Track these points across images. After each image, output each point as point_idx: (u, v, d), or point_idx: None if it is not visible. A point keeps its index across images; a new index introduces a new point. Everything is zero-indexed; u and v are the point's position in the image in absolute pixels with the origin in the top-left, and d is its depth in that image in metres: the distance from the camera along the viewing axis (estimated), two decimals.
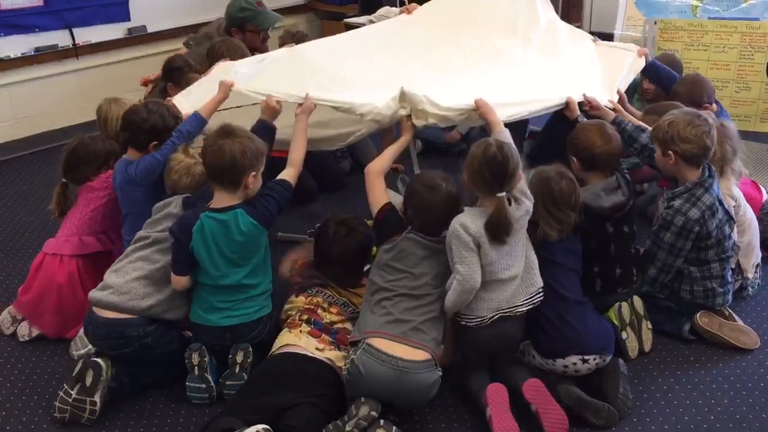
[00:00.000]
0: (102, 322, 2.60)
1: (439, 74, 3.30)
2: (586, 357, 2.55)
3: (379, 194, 2.70)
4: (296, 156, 2.77)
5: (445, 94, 2.91)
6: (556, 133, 3.26)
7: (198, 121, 2.91)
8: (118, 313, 2.59)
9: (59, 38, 4.97)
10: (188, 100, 3.13)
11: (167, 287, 2.65)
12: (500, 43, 3.64)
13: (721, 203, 2.85)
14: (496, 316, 2.52)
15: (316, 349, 2.54)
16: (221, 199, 2.59)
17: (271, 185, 2.67)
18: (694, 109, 3.00)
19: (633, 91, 4.04)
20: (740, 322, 2.95)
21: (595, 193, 2.80)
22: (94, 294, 2.64)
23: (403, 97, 2.82)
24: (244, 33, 4.33)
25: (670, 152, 2.81)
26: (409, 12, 3.91)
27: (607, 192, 2.83)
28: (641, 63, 3.66)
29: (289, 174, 2.73)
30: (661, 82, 3.82)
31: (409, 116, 2.85)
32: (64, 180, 3.08)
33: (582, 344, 2.56)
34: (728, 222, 2.88)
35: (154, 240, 2.68)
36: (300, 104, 2.87)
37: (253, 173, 2.57)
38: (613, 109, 3.24)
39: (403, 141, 2.90)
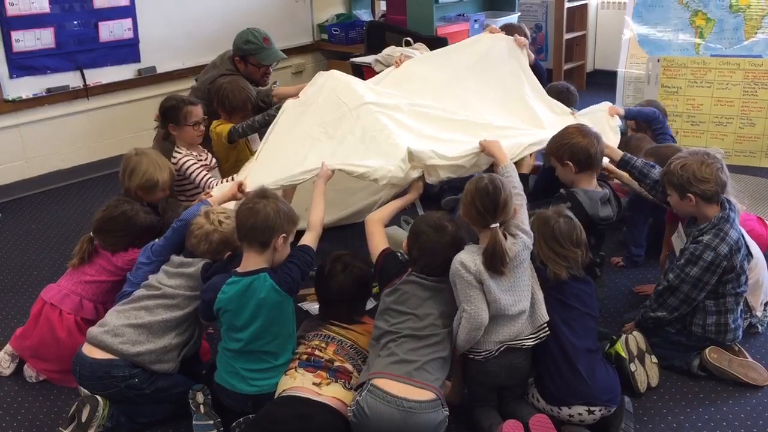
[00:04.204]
0: (89, 363, 2.61)
1: (434, 129, 3.29)
2: (592, 408, 2.52)
3: (378, 240, 2.74)
4: (315, 219, 2.79)
5: (448, 146, 2.97)
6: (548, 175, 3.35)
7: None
8: (106, 353, 2.60)
9: (70, 79, 5.05)
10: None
11: (161, 340, 2.66)
12: (487, 108, 3.65)
13: (743, 237, 2.86)
14: (503, 347, 2.53)
15: (313, 383, 2.49)
16: (248, 261, 2.59)
17: (293, 252, 2.67)
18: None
19: (623, 133, 4.08)
20: (750, 358, 2.94)
21: (594, 200, 2.93)
22: (91, 329, 2.69)
23: (411, 156, 2.84)
24: (246, 64, 4.39)
25: (689, 195, 2.82)
26: (397, 64, 3.92)
27: (602, 202, 2.97)
28: (616, 120, 3.68)
29: (309, 238, 2.74)
30: (644, 120, 3.94)
31: (420, 177, 2.89)
32: (91, 234, 3.06)
33: (589, 395, 2.53)
34: (747, 257, 2.89)
35: (162, 294, 2.70)
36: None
37: (283, 235, 2.58)
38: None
39: (408, 198, 2.99)
